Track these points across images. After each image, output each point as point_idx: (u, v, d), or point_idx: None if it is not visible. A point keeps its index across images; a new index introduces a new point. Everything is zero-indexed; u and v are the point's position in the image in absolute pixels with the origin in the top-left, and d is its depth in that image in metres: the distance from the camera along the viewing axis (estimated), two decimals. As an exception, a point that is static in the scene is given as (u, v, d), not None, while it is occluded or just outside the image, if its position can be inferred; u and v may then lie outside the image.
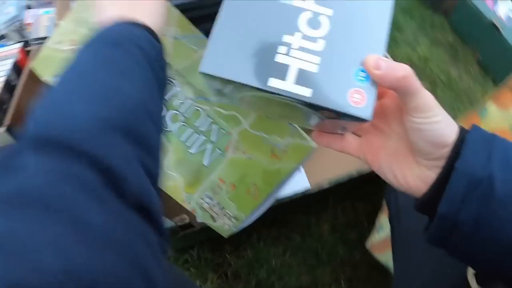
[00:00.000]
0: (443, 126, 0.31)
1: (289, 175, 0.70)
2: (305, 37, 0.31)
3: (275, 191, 0.72)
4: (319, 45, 0.31)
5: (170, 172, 0.66)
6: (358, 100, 0.29)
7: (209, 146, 0.66)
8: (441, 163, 0.31)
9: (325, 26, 0.31)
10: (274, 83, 0.30)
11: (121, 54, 0.33)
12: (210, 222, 0.71)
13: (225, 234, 0.72)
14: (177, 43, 0.62)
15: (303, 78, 0.30)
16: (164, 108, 0.38)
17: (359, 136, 0.38)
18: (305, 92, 0.29)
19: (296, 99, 0.30)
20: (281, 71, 0.30)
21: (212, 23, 0.31)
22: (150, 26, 0.37)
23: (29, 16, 1.04)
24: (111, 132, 0.28)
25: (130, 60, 0.34)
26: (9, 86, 0.81)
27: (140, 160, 0.30)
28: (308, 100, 0.29)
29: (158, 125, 0.35)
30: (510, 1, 1.52)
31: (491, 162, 0.30)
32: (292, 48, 0.30)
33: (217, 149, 0.66)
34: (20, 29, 1.05)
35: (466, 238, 0.32)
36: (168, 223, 0.75)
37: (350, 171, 0.83)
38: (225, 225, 0.71)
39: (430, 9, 1.67)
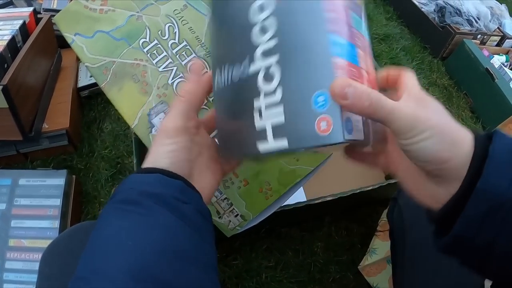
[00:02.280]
0: (434, 142, 0.28)
1: (304, 179, 0.68)
2: (266, 94, 0.33)
3: (287, 194, 0.68)
4: (278, 95, 0.32)
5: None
6: (325, 127, 0.29)
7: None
8: (450, 179, 0.29)
9: (276, 73, 0.33)
10: (261, 147, 0.34)
11: (134, 210, 0.32)
12: (215, 218, 0.66)
13: (228, 233, 0.68)
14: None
15: (277, 131, 0.32)
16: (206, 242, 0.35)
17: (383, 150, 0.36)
18: (283, 143, 0.32)
19: (279, 152, 0.32)
20: (262, 134, 0.33)
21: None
22: (164, 167, 0.35)
23: (42, -13, 1.00)
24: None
25: (143, 213, 0.32)
26: (14, 46, 0.76)
27: None
28: (287, 149, 0.31)
29: (198, 264, 0.32)
30: (504, 56, 1.62)
31: None
32: (262, 110, 0.34)
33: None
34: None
35: (481, 255, 0.29)
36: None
37: (350, 188, 0.81)
38: (230, 223, 0.67)
39: (429, 52, 1.74)
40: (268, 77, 0.33)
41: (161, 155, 0.36)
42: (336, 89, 0.27)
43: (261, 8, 0.35)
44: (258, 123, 0.34)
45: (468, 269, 0.33)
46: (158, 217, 0.32)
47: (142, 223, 0.31)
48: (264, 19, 0.34)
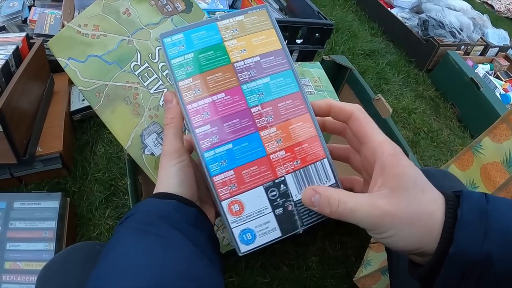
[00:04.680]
0: (401, 238, 0.29)
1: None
2: None
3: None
4: None
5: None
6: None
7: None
8: (425, 255, 0.30)
9: None
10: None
11: (151, 232, 0.33)
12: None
13: (223, 249, 0.68)
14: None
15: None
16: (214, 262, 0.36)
17: None
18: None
19: None
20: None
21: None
22: (177, 193, 0.37)
23: (34, 13, 1.02)
24: None
25: (160, 236, 0.33)
26: (8, 71, 0.78)
27: None
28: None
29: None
30: (488, 64, 1.66)
31: (488, 239, 0.27)
32: None
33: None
34: (20, 24, 1.02)
35: None
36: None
37: None
38: (224, 239, 0.68)
39: (414, 65, 1.79)
40: None
41: (171, 175, 0.37)
42: (305, 197, 0.33)
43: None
44: None
45: None
46: (175, 240, 0.33)
47: (159, 244, 0.32)
48: None
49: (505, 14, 2.84)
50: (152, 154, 0.57)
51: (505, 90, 1.58)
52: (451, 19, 1.79)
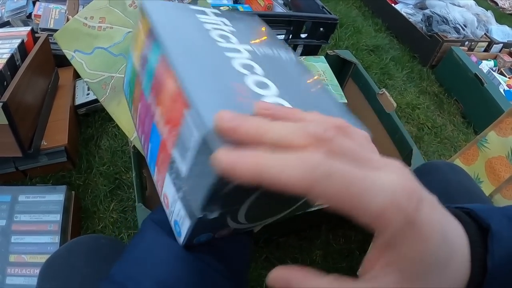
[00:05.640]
0: None
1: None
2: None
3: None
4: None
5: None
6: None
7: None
8: None
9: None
10: None
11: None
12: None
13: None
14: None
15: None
16: None
17: None
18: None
19: None
20: None
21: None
22: None
23: (39, 8, 1.03)
24: None
25: None
26: (13, 64, 0.78)
27: None
28: None
29: None
30: (492, 61, 1.66)
31: None
32: None
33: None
34: (25, 19, 1.03)
35: None
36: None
37: None
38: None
39: (418, 61, 1.78)
40: None
41: None
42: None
43: None
44: None
45: None
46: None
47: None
48: None
49: (509, 11, 2.83)
50: (158, 146, 0.58)
51: (509, 86, 1.57)
52: (455, 15, 1.78)
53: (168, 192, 0.31)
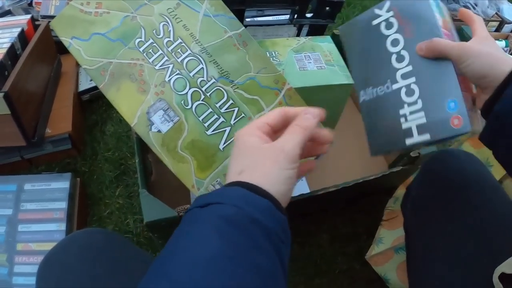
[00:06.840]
0: (475, 66, 0.42)
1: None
2: (409, 104, 0.49)
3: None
4: (419, 104, 0.48)
5: (183, 153, 0.62)
6: (457, 123, 0.44)
7: (227, 129, 0.62)
8: (490, 89, 0.42)
9: (416, 90, 0.48)
10: (407, 141, 0.49)
11: (239, 236, 0.31)
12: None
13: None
14: (208, 20, 0.60)
15: (420, 129, 0.47)
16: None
17: None
18: (426, 137, 0.47)
19: (422, 144, 0.47)
20: (408, 132, 0.49)
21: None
22: (273, 194, 0.34)
23: (39, -5, 1.01)
24: None
25: (250, 244, 0.31)
26: (14, 54, 0.77)
27: None
28: (429, 140, 0.47)
29: None
30: (503, 41, 1.60)
31: None
32: (406, 116, 0.49)
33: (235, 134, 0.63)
34: (26, 7, 1.01)
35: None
36: (170, 212, 0.70)
37: (353, 178, 0.79)
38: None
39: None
40: (409, 93, 0.49)
41: (280, 180, 0.36)
42: (421, 45, 0.47)
43: (394, 43, 0.51)
44: (404, 125, 0.49)
45: (500, 163, 0.44)
46: (264, 252, 0.31)
47: (246, 251, 0.30)
48: (398, 51, 0.50)
49: (523, -15, 2.73)
50: (159, 131, 0.57)
51: (522, 64, 1.52)
52: (466, -8, 1.72)
53: None
